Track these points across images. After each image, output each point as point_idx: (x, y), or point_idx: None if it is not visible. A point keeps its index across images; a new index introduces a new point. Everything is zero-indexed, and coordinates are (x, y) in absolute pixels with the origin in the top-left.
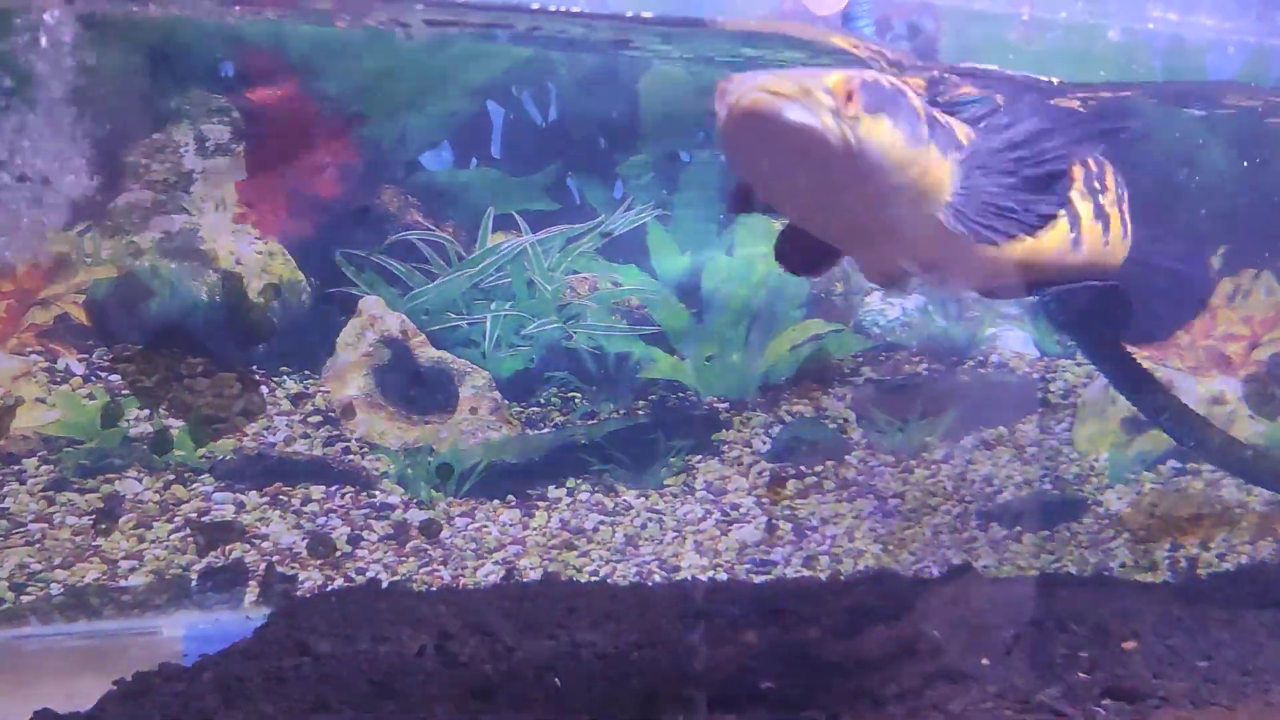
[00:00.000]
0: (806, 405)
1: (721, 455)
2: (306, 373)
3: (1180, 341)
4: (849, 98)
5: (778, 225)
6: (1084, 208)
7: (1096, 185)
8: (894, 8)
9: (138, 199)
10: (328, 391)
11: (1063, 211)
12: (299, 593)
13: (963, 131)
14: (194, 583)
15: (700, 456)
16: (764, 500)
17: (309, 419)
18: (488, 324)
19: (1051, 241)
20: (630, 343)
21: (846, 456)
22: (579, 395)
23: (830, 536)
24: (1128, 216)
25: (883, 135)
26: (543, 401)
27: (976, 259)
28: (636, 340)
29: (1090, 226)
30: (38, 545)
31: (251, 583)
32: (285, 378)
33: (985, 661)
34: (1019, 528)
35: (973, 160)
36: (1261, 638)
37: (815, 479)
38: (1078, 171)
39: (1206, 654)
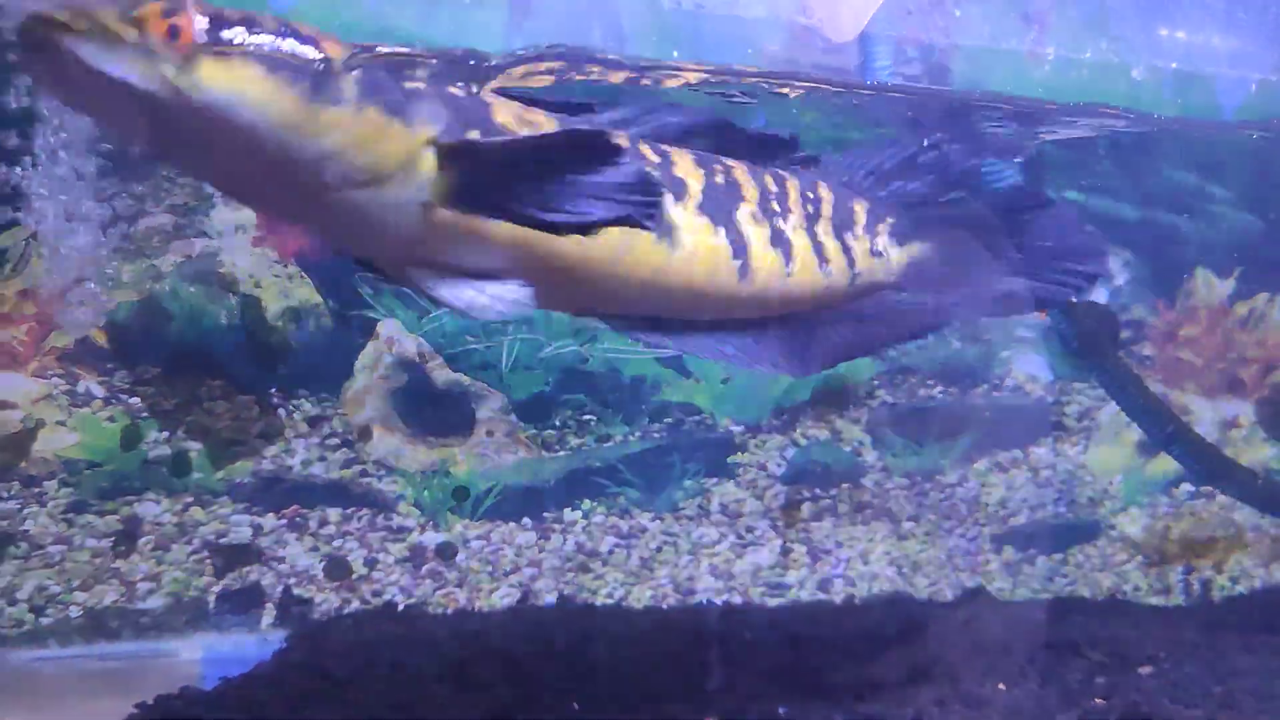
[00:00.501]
0: (822, 428)
1: (736, 478)
2: (324, 396)
3: (1195, 365)
4: (173, 33)
5: None
6: (754, 232)
7: (775, 207)
8: (906, 32)
9: (158, 223)
10: (345, 414)
11: (718, 231)
12: (316, 615)
13: (512, 115)
14: (211, 605)
15: (715, 479)
16: (779, 523)
17: (326, 441)
18: (504, 347)
19: (699, 267)
20: (646, 366)
21: (861, 480)
22: (594, 418)
23: (845, 559)
24: (855, 242)
25: (241, 83)
26: (558, 424)
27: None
28: (652, 363)
29: (762, 254)
30: (57, 567)
31: (268, 605)
32: (303, 400)
33: (1001, 686)
34: (1033, 551)
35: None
36: (1277, 662)
37: (830, 502)
38: (750, 191)
39: (1222, 678)
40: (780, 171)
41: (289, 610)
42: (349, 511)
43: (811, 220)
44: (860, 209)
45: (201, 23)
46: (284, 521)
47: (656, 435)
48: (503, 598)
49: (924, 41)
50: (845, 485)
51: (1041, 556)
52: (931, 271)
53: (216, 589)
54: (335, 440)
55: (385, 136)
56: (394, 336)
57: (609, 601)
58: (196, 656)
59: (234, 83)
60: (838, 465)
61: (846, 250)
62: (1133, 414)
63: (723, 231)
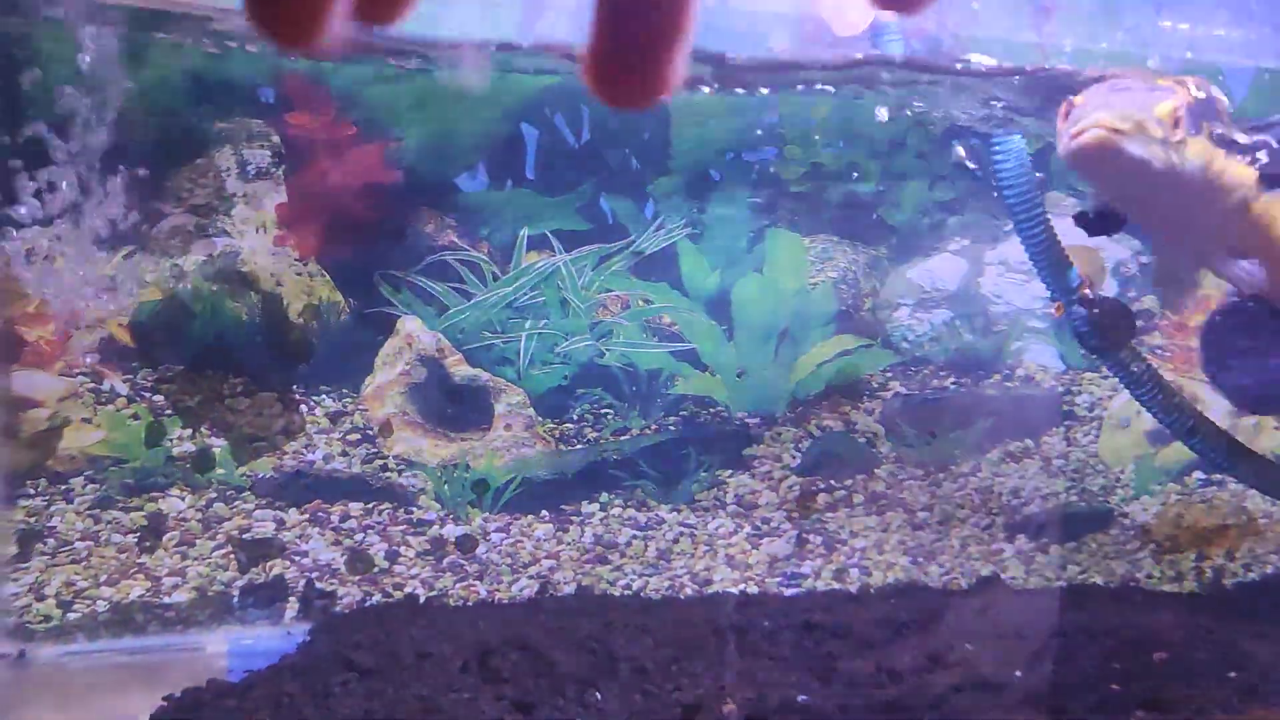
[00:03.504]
0: (836, 420)
1: (752, 470)
2: (345, 392)
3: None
4: (1176, 124)
5: (806, 242)
6: None
7: None
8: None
9: (180, 222)
10: (366, 410)
11: None
12: (338, 608)
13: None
14: (235, 599)
15: (731, 471)
16: (794, 514)
17: (348, 437)
18: (522, 342)
19: None
20: (662, 359)
21: (876, 470)
22: (611, 411)
23: (860, 549)
24: None
25: (1203, 153)
26: (576, 418)
27: None
28: (668, 357)
29: None
30: (84, 563)
31: (291, 599)
32: (324, 397)
33: (1018, 674)
34: (1045, 539)
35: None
36: None
37: (845, 492)
38: None
39: (1236, 664)
40: None
41: (312, 603)
42: (370, 506)
43: None
44: None
45: (1186, 114)
46: (306, 516)
47: (673, 428)
48: (522, 589)
49: (930, 33)
50: (860, 476)
51: (1054, 545)
52: None
53: (240, 583)
54: (356, 436)
55: (1233, 167)
56: (413, 333)
57: (627, 592)
58: (222, 650)
59: (1199, 154)
60: (852, 456)
61: None
62: (1151, 408)
63: None
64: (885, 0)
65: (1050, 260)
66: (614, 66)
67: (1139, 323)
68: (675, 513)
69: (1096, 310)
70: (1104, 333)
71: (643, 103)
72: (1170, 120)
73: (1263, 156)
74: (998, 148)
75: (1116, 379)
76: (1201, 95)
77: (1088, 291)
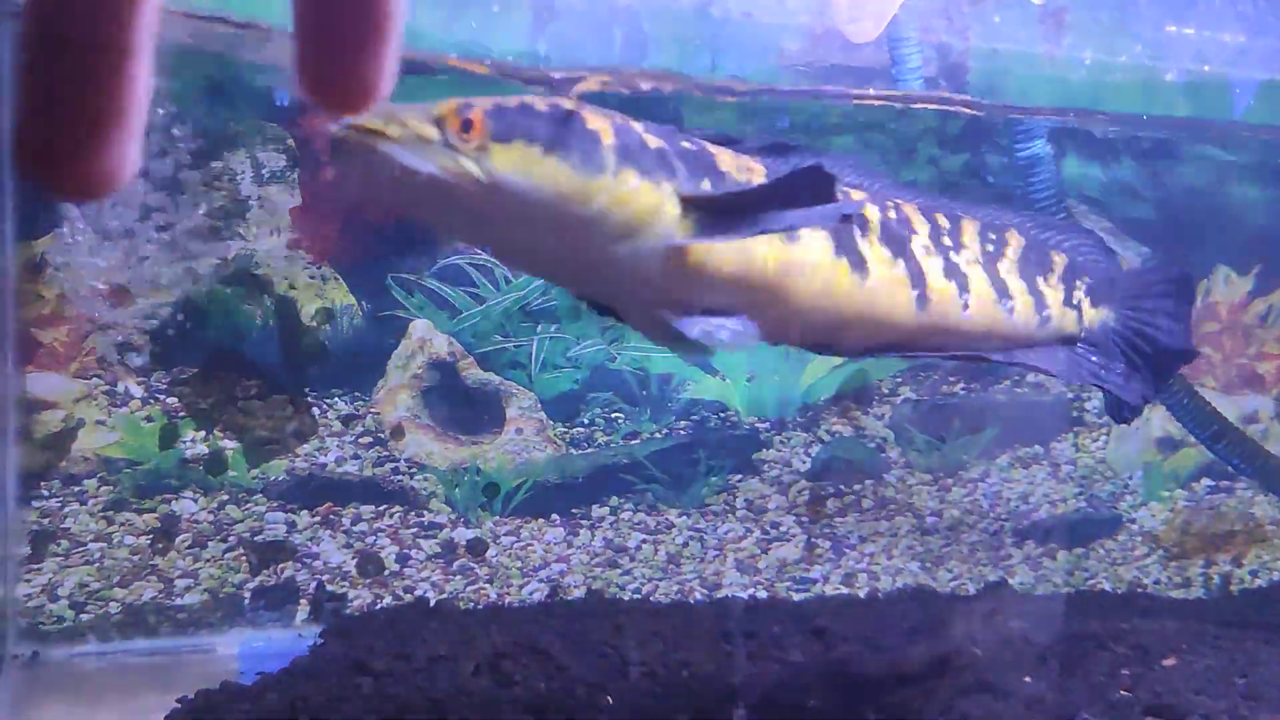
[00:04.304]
0: (846, 425)
1: (762, 474)
2: (357, 395)
3: (1215, 361)
4: (466, 128)
5: None
6: (929, 263)
7: (947, 241)
8: (925, 33)
9: (195, 226)
10: (378, 413)
11: (898, 261)
12: (349, 611)
13: (733, 163)
14: (247, 601)
15: (741, 476)
16: (803, 519)
17: (359, 440)
18: (534, 346)
19: (879, 294)
20: (673, 364)
21: (885, 475)
22: (622, 416)
23: (869, 554)
24: (1048, 288)
25: (524, 165)
26: (587, 422)
27: (763, 302)
28: (678, 361)
29: (940, 286)
30: (97, 564)
31: (302, 601)
32: (337, 399)
33: (1027, 679)
34: (1054, 545)
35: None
36: None
37: (854, 497)
38: (920, 225)
39: (1244, 670)
40: (955, 211)
41: (323, 606)
42: (381, 508)
43: (992, 258)
44: (1059, 259)
45: (488, 115)
46: (318, 519)
47: (683, 432)
48: (532, 593)
49: (941, 42)
50: (869, 481)
51: (1063, 551)
52: (1114, 340)
53: (252, 585)
54: (368, 439)
55: (638, 196)
56: (426, 336)
57: (637, 596)
58: (233, 652)
59: (517, 165)
60: (862, 461)
61: (1035, 293)
62: (1175, 412)
63: (901, 262)
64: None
65: None
66: (319, 70)
67: None
68: (685, 517)
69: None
70: None
71: (355, 106)
72: (455, 123)
73: (707, 185)
74: (1024, 153)
75: None
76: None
77: None
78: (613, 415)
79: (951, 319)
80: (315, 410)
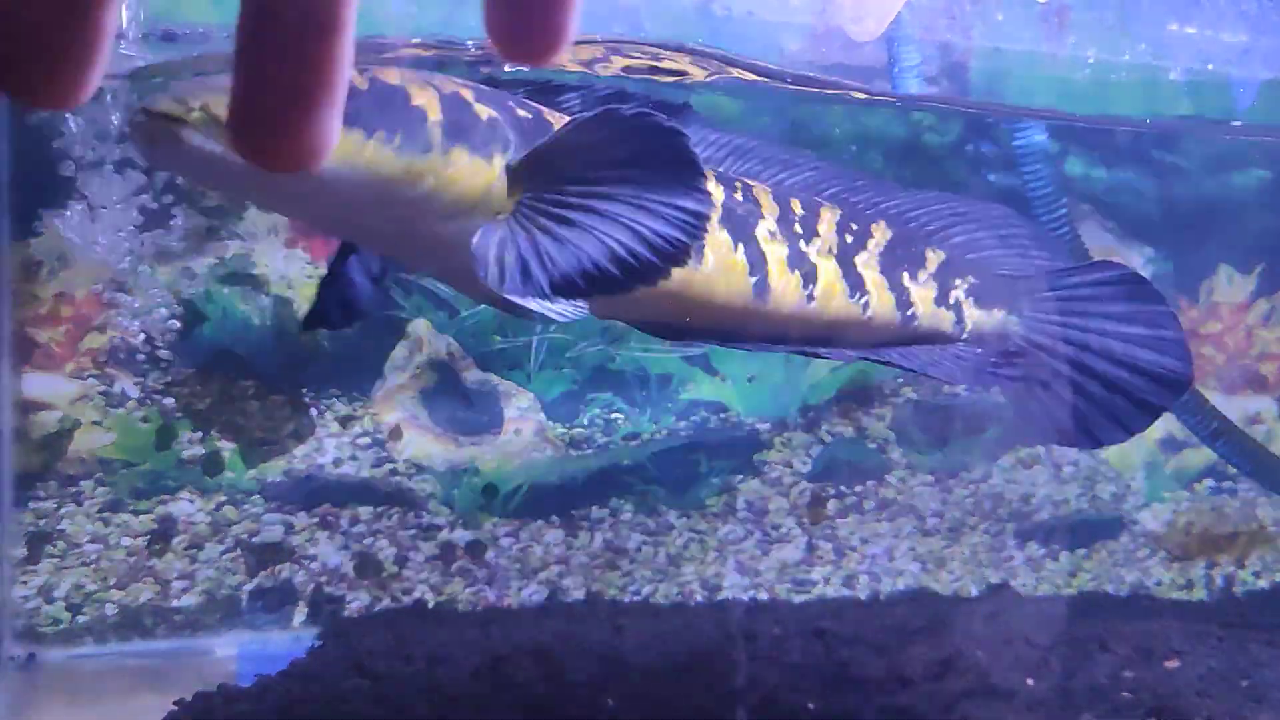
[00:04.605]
0: (847, 426)
1: (762, 475)
2: (355, 395)
3: (1217, 361)
4: None
5: None
6: (772, 250)
7: (798, 229)
8: (923, 30)
9: (192, 225)
10: (376, 414)
11: (738, 246)
12: (347, 613)
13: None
14: (244, 603)
15: (741, 477)
16: (804, 520)
17: (357, 441)
18: (533, 346)
19: (714, 279)
20: (672, 364)
21: (886, 476)
22: (622, 416)
23: (870, 556)
24: (913, 283)
25: (353, 152)
26: (586, 423)
27: None
28: (679, 362)
29: (782, 274)
30: (93, 566)
31: (300, 603)
32: (334, 400)
33: (1029, 681)
34: (1056, 546)
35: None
36: None
37: (855, 499)
38: (768, 207)
39: (1247, 672)
40: (816, 199)
41: (320, 608)
42: (379, 510)
43: (849, 250)
44: (934, 256)
45: None
46: (315, 520)
47: (683, 433)
48: (532, 595)
49: (943, 41)
50: (870, 482)
51: (1065, 552)
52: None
53: (249, 587)
54: (366, 439)
55: (469, 173)
56: (424, 337)
57: (637, 599)
58: (231, 654)
59: (346, 152)
60: (863, 462)
61: (898, 289)
62: (1177, 412)
63: (741, 247)
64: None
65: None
66: (255, 128)
67: None
68: (685, 518)
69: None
70: None
71: (290, 166)
72: None
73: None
74: (1020, 143)
75: None
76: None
77: None
78: (612, 416)
79: (793, 309)
80: (313, 411)
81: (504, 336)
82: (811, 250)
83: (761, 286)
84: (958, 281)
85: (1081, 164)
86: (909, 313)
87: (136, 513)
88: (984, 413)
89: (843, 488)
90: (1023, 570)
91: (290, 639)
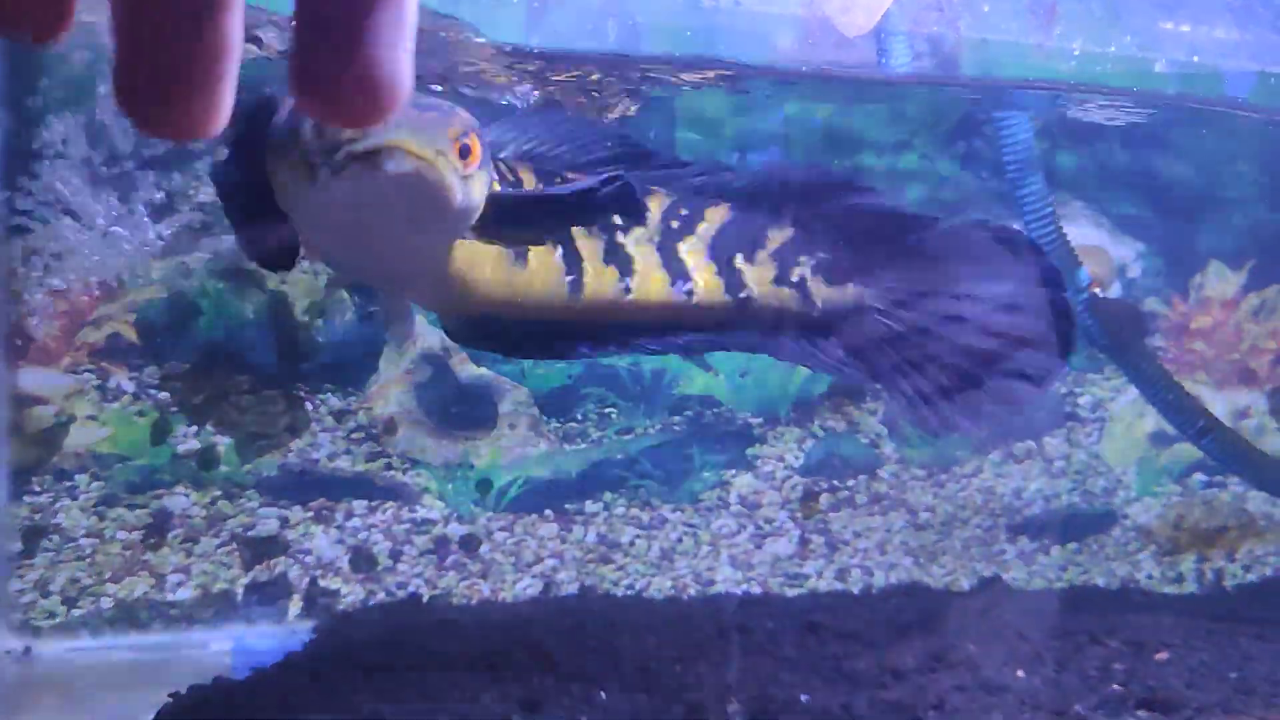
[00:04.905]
0: (839, 421)
1: (755, 470)
2: (350, 390)
3: (1208, 356)
4: (466, 155)
5: None
6: (587, 246)
7: (617, 220)
8: (911, 23)
9: (187, 220)
10: (370, 408)
11: (555, 248)
12: (341, 607)
13: None
14: (239, 597)
15: (734, 471)
16: (797, 514)
17: (352, 435)
18: None
19: (538, 284)
20: (666, 360)
21: (879, 471)
22: (615, 411)
23: (862, 550)
24: (748, 264)
25: (483, 190)
26: (580, 418)
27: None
28: (672, 357)
29: (597, 270)
30: (89, 560)
31: (295, 596)
32: (329, 395)
33: (1020, 673)
34: (1047, 540)
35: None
36: None
37: (848, 493)
38: None
39: (1237, 665)
40: (647, 187)
41: (315, 602)
42: (374, 504)
43: (673, 236)
44: (778, 234)
45: (481, 142)
46: (310, 514)
47: (677, 428)
48: (526, 588)
49: (935, 34)
50: (863, 477)
51: (1056, 546)
52: (865, 325)
53: (244, 581)
54: (360, 434)
55: (483, 195)
56: (418, 332)
57: (630, 592)
58: (226, 647)
59: (481, 190)
60: (855, 457)
61: (729, 271)
62: (1162, 409)
63: (559, 248)
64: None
65: (1059, 259)
66: (141, 90)
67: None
68: (679, 513)
69: (1106, 310)
70: (1114, 333)
71: (182, 134)
72: (457, 148)
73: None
74: (1004, 127)
75: (1126, 379)
76: None
77: (1096, 290)
78: (606, 411)
79: (609, 304)
80: (308, 405)
81: None
82: (629, 241)
83: (576, 285)
84: (802, 258)
85: (1071, 158)
86: (742, 295)
87: (132, 507)
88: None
89: (835, 482)
90: (1014, 564)
91: (285, 632)
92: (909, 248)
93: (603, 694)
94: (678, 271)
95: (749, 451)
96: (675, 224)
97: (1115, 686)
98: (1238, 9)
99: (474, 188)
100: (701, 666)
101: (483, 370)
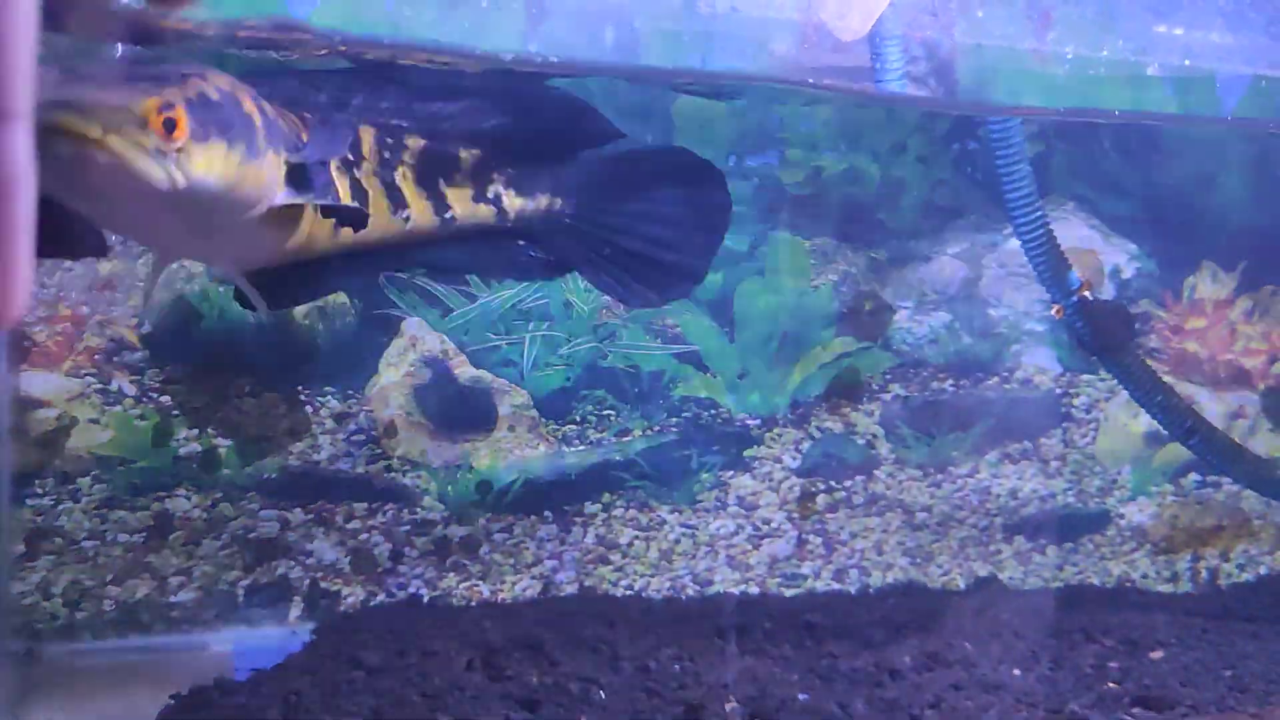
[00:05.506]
0: (836, 421)
1: (753, 471)
2: (350, 392)
3: (1201, 357)
4: (171, 129)
5: (808, 245)
6: (340, 183)
7: (349, 157)
8: (906, 28)
9: None
10: (370, 410)
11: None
12: (342, 608)
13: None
14: (240, 598)
15: (732, 472)
16: (794, 515)
17: (352, 438)
18: (526, 344)
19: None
20: (664, 361)
21: (875, 471)
22: (614, 413)
23: (859, 550)
24: (449, 186)
25: (217, 164)
26: (579, 419)
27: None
28: (670, 359)
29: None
30: (91, 562)
31: (296, 598)
32: (329, 397)
33: (1016, 672)
34: (1043, 540)
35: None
36: None
37: (845, 494)
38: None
39: (1231, 663)
40: (359, 120)
41: (316, 603)
42: (374, 506)
43: (388, 166)
44: (468, 155)
45: (190, 115)
46: (311, 516)
47: (675, 429)
48: (525, 589)
49: (929, 39)
50: (859, 477)
51: (1052, 545)
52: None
53: (245, 582)
54: (361, 436)
55: (273, 170)
56: (418, 334)
57: (629, 593)
58: (227, 649)
59: (210, 165)
60: (852, 458)
61: (435, 195)
62: (1150, 410)
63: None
64: None
65: (1049, 262)
66: None
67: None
68: (677, 514)
69: (1095, 311)
70: (1103, 334)
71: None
72: (158, 124)
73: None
74: (996, 132)
75: (1116, 380)
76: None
77: (1087, 293)
78: (605, 413)
79: (343, 237)
80: (308, 408)
81: (497, 334)
82: (361, 175)
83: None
84: (495, 176)
85: (1064, 161)
86: (448, 215)
87: (134, 509)
88: (972, 408)
89: (832, 483)
90: (1010, 563)
91: (286, 634)
92: (595, 159)
93: (601, 693)
94: (397, 201)
95: (746, 453)
96: (386, 154)
97: (1110, 685)
98: (1231, 13)
99: (190, 163)
100: (700, 666)
101: (482, 373)
